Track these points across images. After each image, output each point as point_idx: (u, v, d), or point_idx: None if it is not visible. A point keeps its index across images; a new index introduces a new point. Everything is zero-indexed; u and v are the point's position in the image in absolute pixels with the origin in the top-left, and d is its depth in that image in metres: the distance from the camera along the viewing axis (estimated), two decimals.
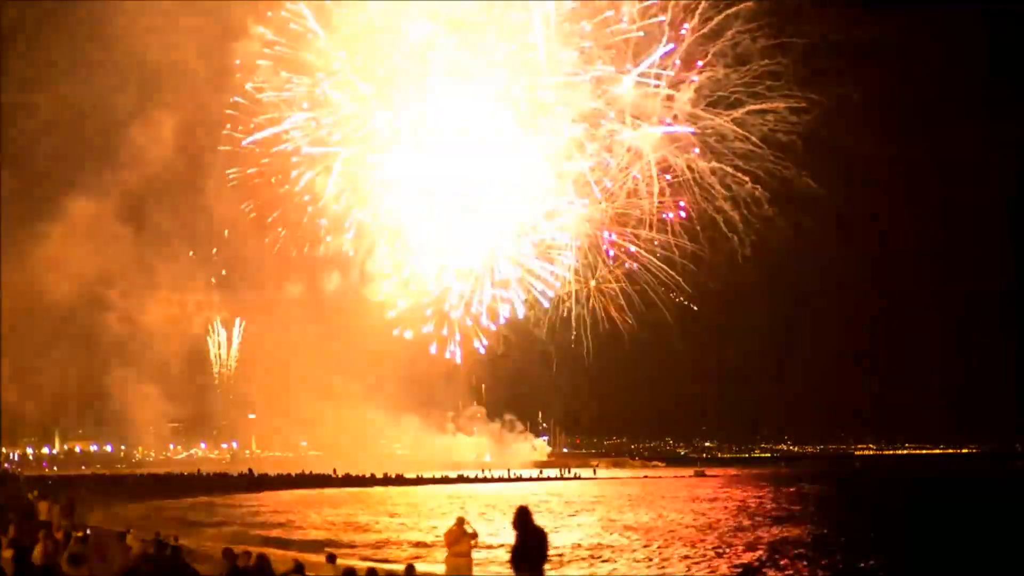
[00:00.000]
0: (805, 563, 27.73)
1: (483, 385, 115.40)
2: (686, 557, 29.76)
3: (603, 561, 29.16)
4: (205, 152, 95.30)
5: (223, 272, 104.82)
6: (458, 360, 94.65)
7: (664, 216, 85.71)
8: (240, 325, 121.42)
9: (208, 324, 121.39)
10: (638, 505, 55.17)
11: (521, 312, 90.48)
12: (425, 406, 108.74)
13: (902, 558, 29.62)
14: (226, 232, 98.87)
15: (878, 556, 29.61)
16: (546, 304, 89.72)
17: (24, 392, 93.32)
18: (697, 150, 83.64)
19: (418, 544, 33.74)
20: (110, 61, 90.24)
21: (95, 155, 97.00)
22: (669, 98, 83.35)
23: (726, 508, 51.57)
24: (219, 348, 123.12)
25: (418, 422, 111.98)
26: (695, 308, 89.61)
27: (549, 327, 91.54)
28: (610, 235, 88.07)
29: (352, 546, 33.09)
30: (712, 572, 26.64)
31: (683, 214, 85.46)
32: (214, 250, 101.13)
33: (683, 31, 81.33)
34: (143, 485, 74.27)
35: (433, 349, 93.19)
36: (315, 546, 29.95)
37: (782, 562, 28.05)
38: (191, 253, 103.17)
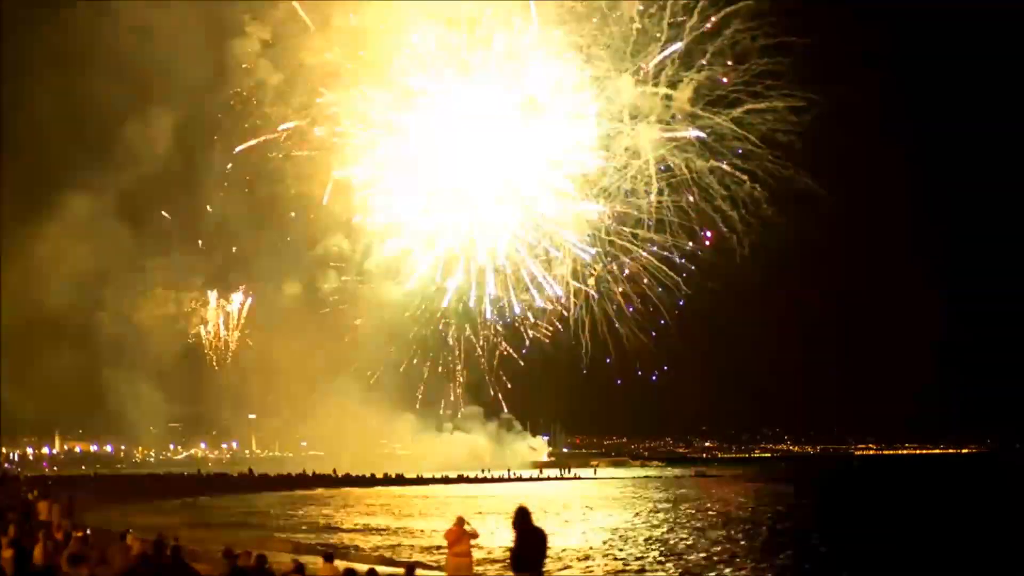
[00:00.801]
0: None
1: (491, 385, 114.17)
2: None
3: (594, 560, 29.30)
4: (202, 151, 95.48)
5: (233, 250, 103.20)
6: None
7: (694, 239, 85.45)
8: (243, 300, 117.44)
9: (203, 306, 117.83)
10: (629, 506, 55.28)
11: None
12: (422, 405, 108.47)
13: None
14: (211, 209, 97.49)
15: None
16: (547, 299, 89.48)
17: (22, 392, 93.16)
18: (725, 160, 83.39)
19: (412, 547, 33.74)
20: (107, 59, 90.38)
21: (92, 154, 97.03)
22: (668, 97, 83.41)
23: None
24: (214, 327, 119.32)
25: (415, 421, 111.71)
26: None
27: (547, 328, 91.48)
28: (609, 234, 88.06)
29: (347, 546, 33.07)
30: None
31: (707, 241, 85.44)
32: (208, 208, 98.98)
33: (686, 29, 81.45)
34: (143, 485, 74.18)
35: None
36: (315, 546, 29.94)
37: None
38: (165, 214, 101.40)
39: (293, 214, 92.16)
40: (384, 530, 40.44)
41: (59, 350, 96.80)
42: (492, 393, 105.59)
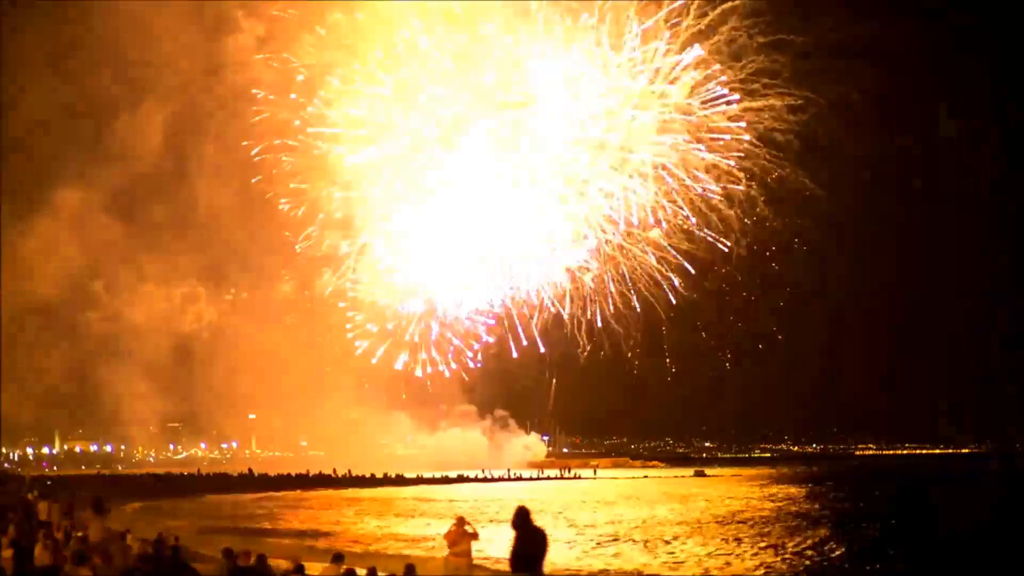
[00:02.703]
0: None
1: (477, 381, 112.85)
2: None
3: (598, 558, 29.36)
4: (195, 146, 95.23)
5: (226, 247, 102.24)
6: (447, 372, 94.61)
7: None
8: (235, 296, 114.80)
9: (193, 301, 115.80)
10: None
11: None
12: (414, 403, 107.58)
13: None
14: (203, 205, 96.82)
15: None
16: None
17: (19, 392, 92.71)
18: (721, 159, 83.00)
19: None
20: (100, 54, 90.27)
21: (85, 150, 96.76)
22: (665, 95, 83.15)
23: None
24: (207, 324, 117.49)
25: (408, 420, 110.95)
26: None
27: (542, 328, 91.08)
28: (605, 233, 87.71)
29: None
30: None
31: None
32: (201, 204, 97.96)
33: (677, 26, 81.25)
34: (143, 485, 74.13)
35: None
36: (316, 548, 29.93)
37: None
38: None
39: (286, 213, 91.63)
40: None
41: (54, 348, 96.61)
42: (486, 390, 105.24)
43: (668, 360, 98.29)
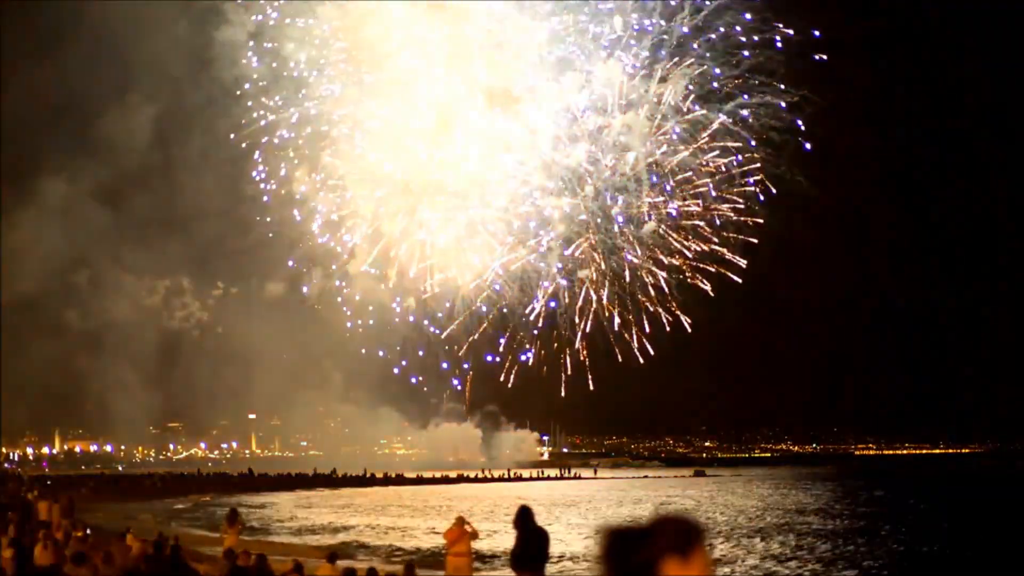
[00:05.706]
0: None
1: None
2: None
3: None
4: (183, 142, 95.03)
5: (216, 244, 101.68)
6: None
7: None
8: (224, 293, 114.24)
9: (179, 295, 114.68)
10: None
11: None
12: (405, 401, 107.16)
13: None
14: (194, 202, 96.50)
15: None
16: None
17: (15, 392, 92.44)
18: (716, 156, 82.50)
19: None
20: (88, 49, 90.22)
21: (76, 145, 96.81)
22: (659, 92, 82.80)
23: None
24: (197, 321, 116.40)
25: (397, 415, 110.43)
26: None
27: (538, 328, 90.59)
28: (601, 232, 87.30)
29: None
30: None
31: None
32: (192, 202, 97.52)
33: (674, 23, 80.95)
34: (143, 485, 74.09)
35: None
36: (318, 548, 29.90)
37: None
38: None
39: (275, 209, 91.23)
40: None
41: (44, 344, 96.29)
42: (478, 388, 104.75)
43: (665, 360, 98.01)
